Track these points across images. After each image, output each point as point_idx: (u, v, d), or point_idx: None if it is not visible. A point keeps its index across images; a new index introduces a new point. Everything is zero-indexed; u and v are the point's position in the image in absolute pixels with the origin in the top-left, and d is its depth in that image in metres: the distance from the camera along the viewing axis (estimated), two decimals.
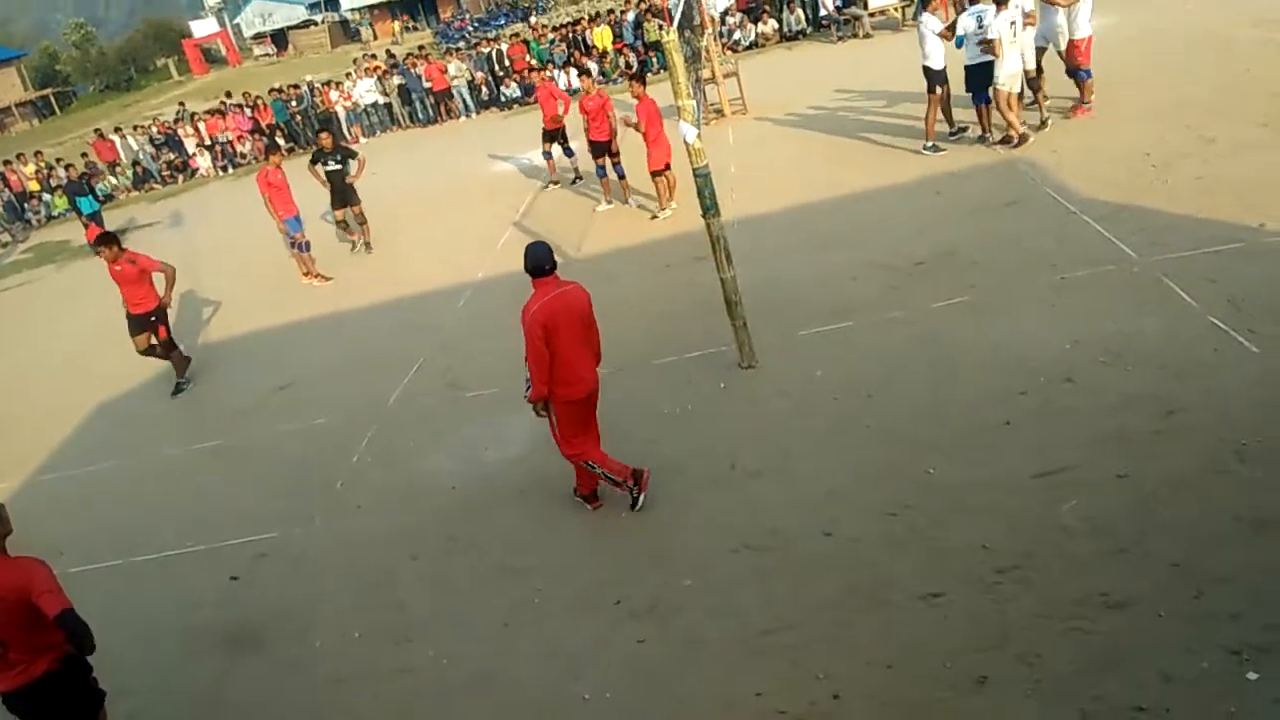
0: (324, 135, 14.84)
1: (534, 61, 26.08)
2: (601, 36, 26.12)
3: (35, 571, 4.51)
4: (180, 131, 28.04)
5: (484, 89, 26.03)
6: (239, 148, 27.30)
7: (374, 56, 30.92)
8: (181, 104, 32.59)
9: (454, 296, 11.57)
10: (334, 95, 26.85)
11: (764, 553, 5.85)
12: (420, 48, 36.28)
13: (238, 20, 59.81)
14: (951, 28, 11.88)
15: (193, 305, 14.37)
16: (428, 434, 8.48)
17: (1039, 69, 11.88)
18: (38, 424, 11.11)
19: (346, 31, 57.16)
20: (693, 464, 6.95)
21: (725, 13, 24.49)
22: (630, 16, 26.07)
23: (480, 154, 19.56)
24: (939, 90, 12.13)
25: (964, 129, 12.49)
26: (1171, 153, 10.21)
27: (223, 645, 6.36)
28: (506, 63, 26.20)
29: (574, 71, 24.66)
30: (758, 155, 14.51)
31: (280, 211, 13.44)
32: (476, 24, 46.70)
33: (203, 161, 27.45)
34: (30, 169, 26.96)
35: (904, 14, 22.49)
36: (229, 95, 29.22)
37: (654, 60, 24.20)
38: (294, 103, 27.33)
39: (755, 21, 24.83)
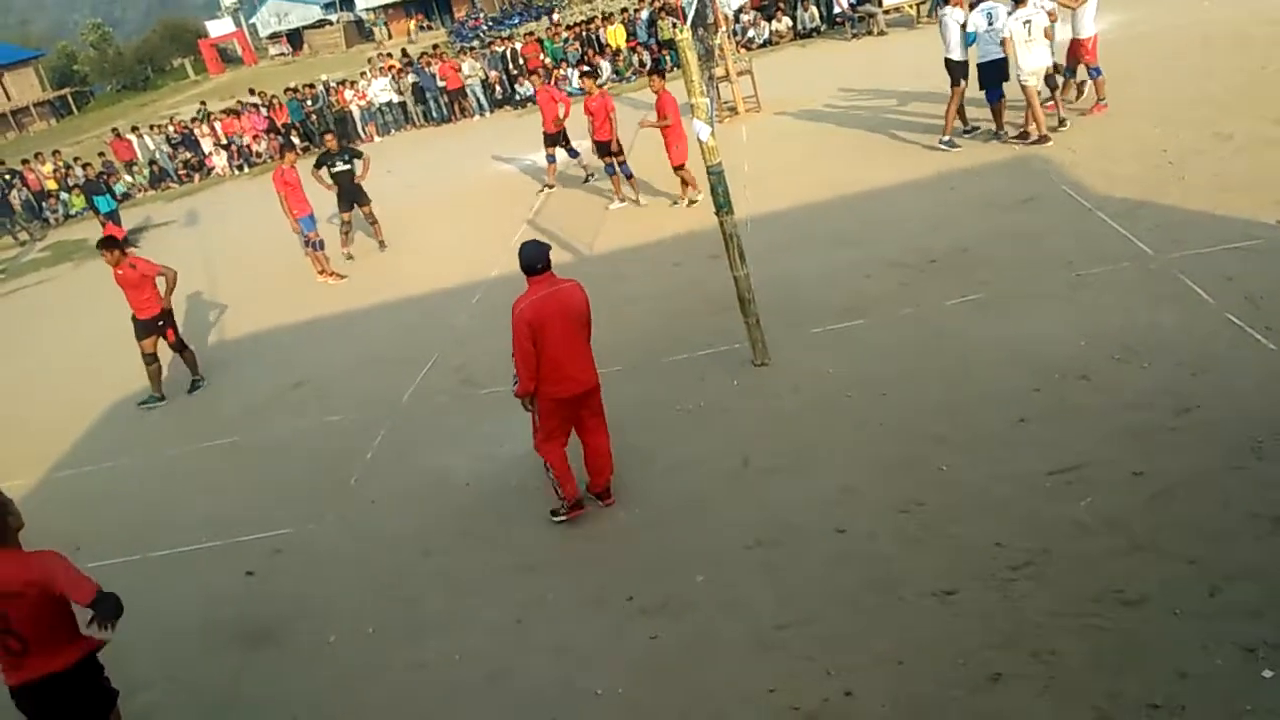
0: (329, 137, 14.91)
1: (548, 60, 26.13)
2: (615, 35, 26.13)
3: (54, 565, 4.52)
4: (197, 131, 28.19)
5: (498, 88, 26.07)
6: (255, 147, 27.42)
7: (389, 55, 31.00)
8: (203, 103, 32.75)
9: (468, 294, 11.60)
10: (349, 94, 26.94)
11: (777, 549, 5.84)
12: (435, 47, 36.38)
13: (253, 20, 60.06)
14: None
15: (207, 303, 14.47)
16: (441, 431, 8.50)
17: (1055, 69, 11.81)
18: (54, 421, 11.19)
19: (361, 31, 57.34)
20: (705, 461, 6.95)
21: (739, 10, 24.46)
22: (644, 15, 26.07)
23: (494, 152, 19.60)
24: (963, 84, 12.09)
25: (976, 127, 12.45)
26: (1188, 150, 10.15)
27: (238, 640, 6.39)
28: (521, 61, 26.23)
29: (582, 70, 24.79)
30: (771, 153, 14.49)
31: (295, 210, 13.50)
32: (491, 23, 46.78)
33: (218, 161, 27.60)
34: (48, 168, 27.16)
35: (918, 11, 22.44)
36: (252, 92, 29.31)
37: (668, 58, 24.16)
38: (309, 102, 27.43)
39: (769, 19, 24.79)
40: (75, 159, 27.38)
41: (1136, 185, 9.54)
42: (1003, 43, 11.20)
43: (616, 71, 25.35)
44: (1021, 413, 6.46)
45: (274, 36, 59.02)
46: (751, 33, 24.60)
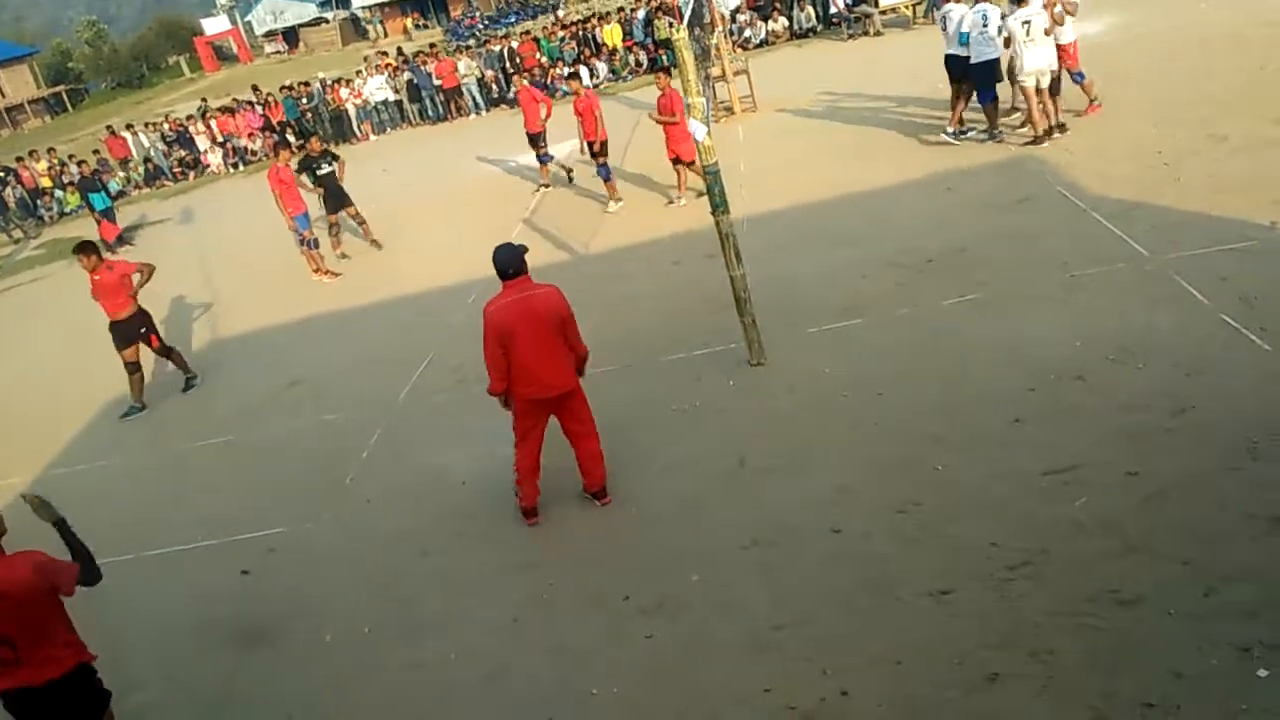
0: (314, 140, 14.88)
1: (544, 60, 26.11)
2: (612, 34, 26.11)
3: (37, 564, 4.52)
4: (192, 129, 28.13)
5: (494, 87, 26.05)
6: (250, 145, 27.37)
7: (385, 54, 30.95)
8: (204, 100, 32.62)
9: (464, 293, 11.58)
10: (344, 93, 26.89)
11: (773, 549, 5.85)
12: (431, 45, 36.32)
13: (249, 18, 59.92)
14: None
15: (202, 302, 14.45)
16: (437, 430, 8.49)
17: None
18: (48, 419, 11.17)
19: (357, 29, 57.24)
20: (701, 460, 6.95)
21: (735, 10, 24.45)
22: (641, 14, 26.05)
23: (490, 152, 19.57)
24: (964, 81, 12.12)
25: (972, 128, 12.47)
26: (1184, 151, 10.17)
27: (233, 639, 6.38)
28: (517, 60, 26.20)
29: (583, 70, 24.78)
30: (767, 153, 14.49)
31: (289, 208, 13.48)
32: (487, 21, 46.75)
33: (214, 159, 27.54)
34: (43, 165, 27.07)
35: (914, 12, 22.45)
36: (256, 90, 29.22)
37: (664, 58, 24.14)
38: (305, 100, 27.39)
39: (765, 19, 24.79)
40: (70, 156, 27.29)
41: (1132, 186, 9.56)
42: (1007, 41, 11.21)
43: (613, 71, 25.35)
44: (1017, 413, 6.47)
45: (269, 34, 58.90)
46: (748, 33, 24.60)
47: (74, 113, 56.92)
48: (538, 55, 26.30)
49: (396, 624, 6.12)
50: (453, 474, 7.70)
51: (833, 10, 23.68)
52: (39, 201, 26.40)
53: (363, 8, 56.37)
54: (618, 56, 25.58)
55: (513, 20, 44.99)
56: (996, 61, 11.67)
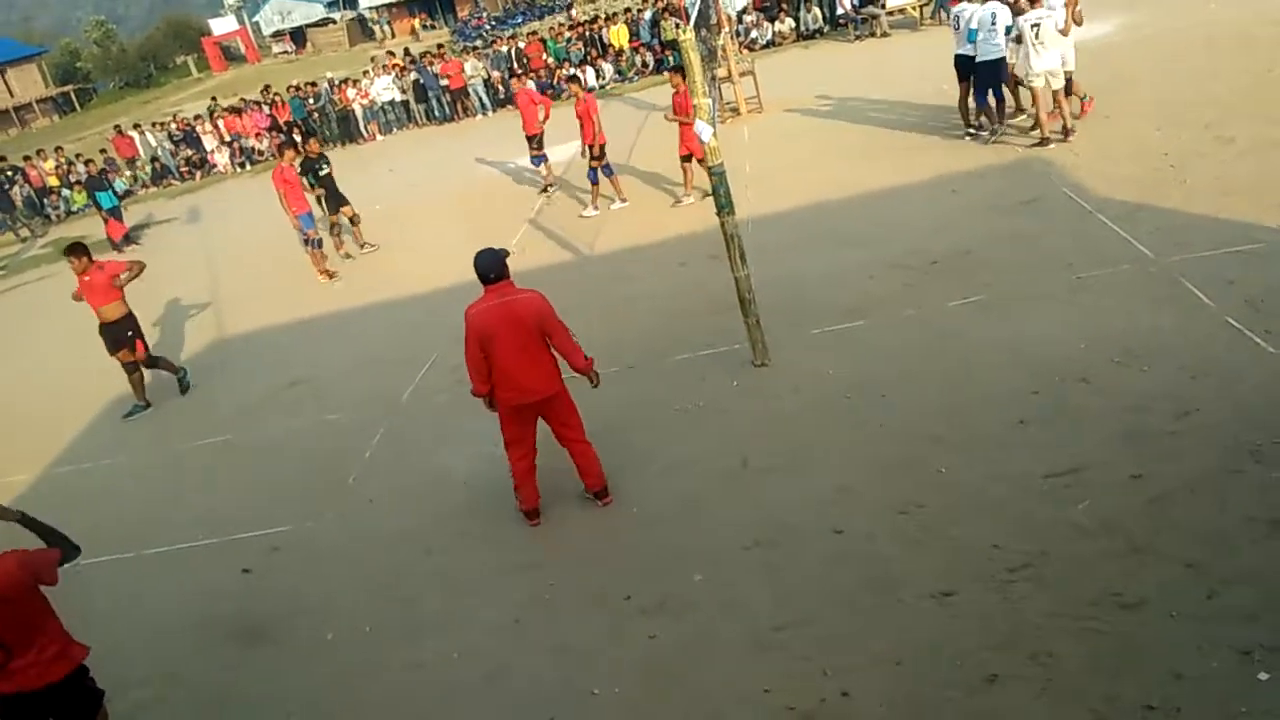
0: (313, 142, 14.90)
1: (550, 60, 26.13)
2: (618, 35, 26.12)
3: (20, 559, 4.52)
4: (199, 128, 28.21)
5: (500, 88, 26.07)
6: (257, 145, 27.43)
7: (393, 54, 31.00)
8: (214, 99, 32.65)
9: (467, 294, 11.38)
10: (351, 93, 26.95)
11: (775, 549, 5.84)
12: (438, 46, 36.38)
13: (257, 18, 60.11)
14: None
15: (207, 301, 14.48)
16: (440, 430, 8.50)
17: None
18: (53, 417, 11.20)
19: (364, 29, 57.39)
20: (704, 461, 6.95)
21: (742, 11, 24.45)
22: (647, 15, 26.06)
23: (495, 153, 19.59)
24: (971, 79, 12.13)
25: (979, 128, 12.45)
26: (1190, 152, 10.14)
27: (235, 638, 6.39)
28: (524, 61, 26.22)
29: (590, 71, 24.80)
30: (773, 154, 14.48)
31: (294, 208, 13.51)
32: (494, 22, 46.81)
33: (220, 158, 27.61)
34: (50, 164, 27.18)
35: (921, 13, 22.43)
36: (268, 89, 29.23)
37: (670, 59, 24.16)
38: (312, 100, 27.45)
39: (772, 20, 24.77)
40: (77, 155, 27.43)
41: (1138, 188, 9.53)
42: (1019, 39, 11.19)
43: (619, 72, 25.36)
44: (1021, 415, 6.45)
45: (277, 34, 59.11)
46: (754, 33, 24.59)
47: (82, 112, 57.15)
48: (544, 56, 26.33)
49: (398, 623, 6.12)
50: (455, 474, 7.71)
51: (839, 11, 23.66)
52: (46, 200, 26.51)
53: (370, 8, 56.53)
54: (624, 57, 25.60)
55: (519, 21, 45.05)
56: (1002, 61, 11.66)
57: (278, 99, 28.00)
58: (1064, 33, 10.93)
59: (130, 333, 10.45)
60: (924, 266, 9.11)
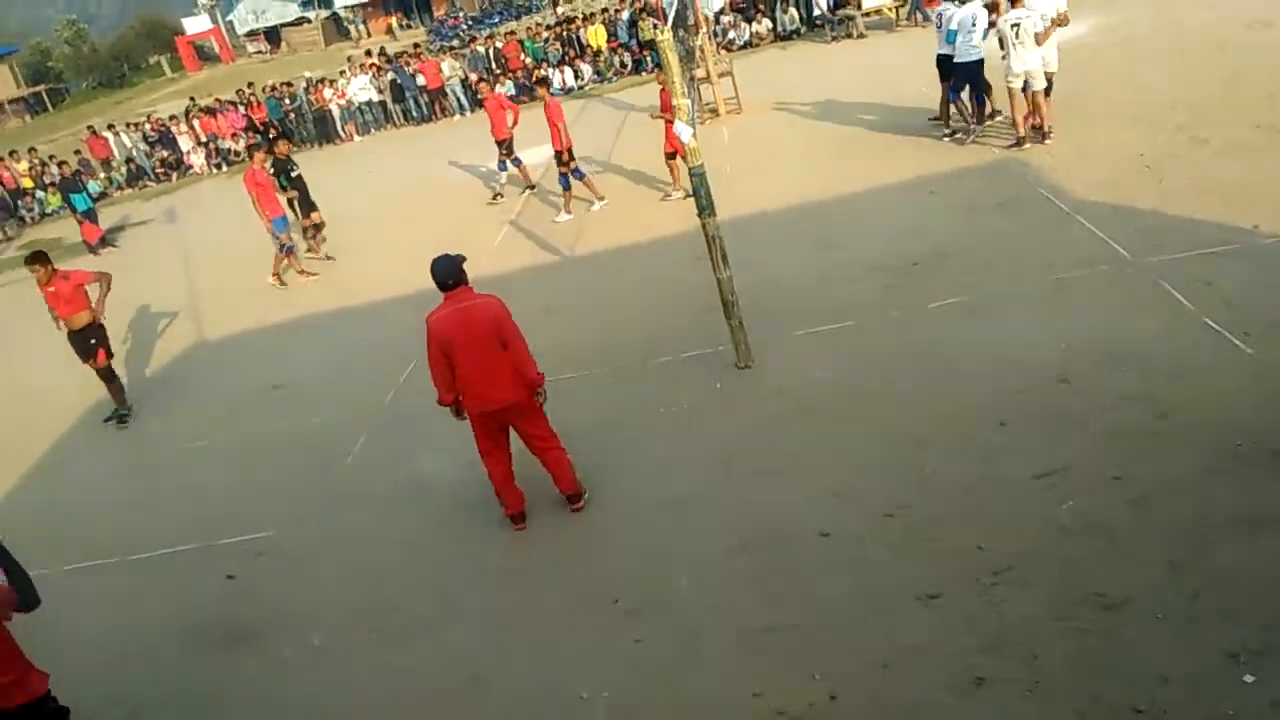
0: (282, 144, 14.76)
1: (528, 60, 26.07)
2: (596, 35, 26.10)
3: None
4: (174, 129, 27.96)
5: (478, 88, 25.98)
6: (233, 145, 27.22)
7: (369, 53, 30.82)
8: (193, 99, 32.31)
9: None
10: (328, 93, 26.78)
11: (761, 552, 5.85)
12: (415, 45, 36.21)
13: (230, 17, 59.55)
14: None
15: (187, 303, 14.34)
16: (423, 433, 8.45)
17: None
18: (32, 423, 11.07)
19: (339, 29, 57.00)
20: (689, 464, 6.95)
21: (719, 12, 24.48)
22: (625, 15, 26.06)
23: (474, 153, 19.50)
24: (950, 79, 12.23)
25: (955, 129, 12.54)
26: (1165, 154, 10.25)
27: (219, 643, 6.34)
28: (502, 61, 26.15)
29: (568, 71, 24.76)
30: (753, 155, 14.51)
31: (267, 211, 13.38)
32: (471, 22, 46.61)
33: (197, 159, 27.39)
34: (23, 166, 26.85)
35: (897, 14, 22.55)
36: (250, 86, 28.94)
37: (649, 59, 24.19)
38: (288, 100, 27.26)
39: (749, 21, 24.84)
40: (51, 157, 27.09)
41: (1114, 189, 9.63)
42: (1001, 42, 11.26)
43: (598, 72, 25.35)
44: (1003, 416, 6.50)
45: (251, 34, 58.55)
46: (732, 34, 24.66)
47: (54, 112, 56.43)
48: (522, 56, 26.25)
49: (384, 628, 6.09)
50: (439, 478, 7.68)
51: (816, 12, 23.76)
52: (20, 202, 26.18)
53: (344, 7, 56.09)
54: (602, 58, 25.58)
55: (496, 21, 44.89)
56: (979, 63, 11.74)
57: (253, 99, 27.79)
58: (1040, 40, 10.94)
59: (94, 341, 10.22)
60: (905, 268, 9.16)
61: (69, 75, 64.58)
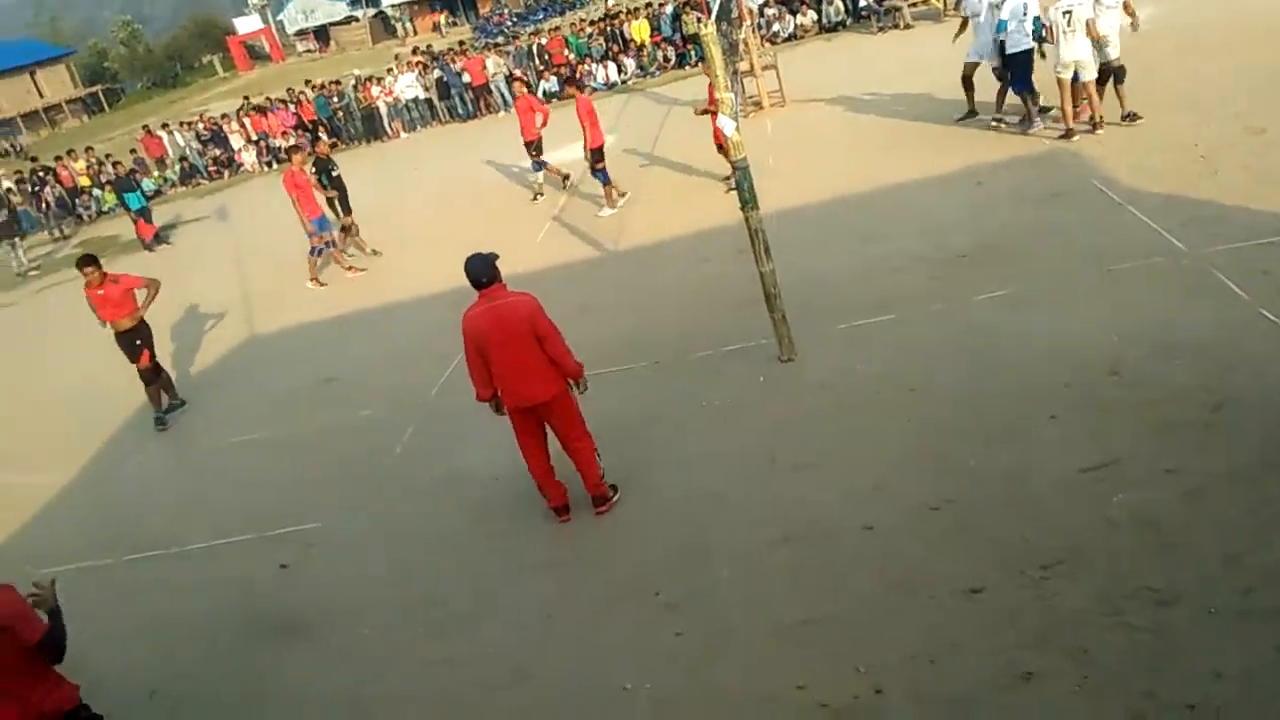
0: (323, 144, 14.92)
1: (572, 56, 26.12)
2: (640, 29, 26.08)
3: (9, 597, 4.24)
4: (226, 128, 28.43)
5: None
6: (283, 144, 27.58)
7: (416, 51, 31.08)
8: (246, 98, 32.82)
9: None
10: (375, 91, 27.05)
11: (804, 545, 5.83)
12: (460, 43, 36.47)
13: (280, 17, 60.41)
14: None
15: (238, 299, 14.59)
16: (469, 426, 8.51)
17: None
18: (86, 415, 11.33)
19: (386, 27, 57.58)
20: (731, 457, 6.94)
21: (763, 4, 24.37)
22: (669, 9, 26.01)
23: (517, 150, 19.50)
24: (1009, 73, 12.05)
25: (1003, 119, 12.37)
26: (1219, 144, 10.02)
27: (271, 632, 6.45)
28: (546, 57, 26.23)
29: (611, 66, 24.77)
30: (796, 148, 14.42)
31: (307, 212, 13.56)
32: (515, 19, 46.85)
33: (247, 157, 27.82)
34: (81, 164, 27.45)
35: (945, 4, 22.24)
36: (308, 83, 29.29)
37: (692, 53, 24.13)
38: (336, 99, 27.58)
39: (794, 13, 24.66)
40: (107, 155, 27.66)
41: (1168, 180, 9.43)
42: (1047, 31, 11.08)
43: (641, 67, 25.33)
44: (1052, 409, 6.40)
45: (301, 33, 59.41)
46: (776, 26, 24.49)
47: (110, 112, 57.68)
48: (566, 52, 26.32)
49: (430, 620, 6.16)
50: (484, 470, 7.74)
51: (862, 3, 23.52)
52: (77, 200, 26.77)
53: (392, 5, 56.67)
54: (645, 52, 25.55)
55: (541, 17, 45.08)
56: (1032, 51, 11.57)
57: (303, 97, 28.16)
58: (1092, 33, 10.70)
59: (139, 342, 10.33)
60: (952, 260, 9.05)
61: (124, 75, 65.96)
